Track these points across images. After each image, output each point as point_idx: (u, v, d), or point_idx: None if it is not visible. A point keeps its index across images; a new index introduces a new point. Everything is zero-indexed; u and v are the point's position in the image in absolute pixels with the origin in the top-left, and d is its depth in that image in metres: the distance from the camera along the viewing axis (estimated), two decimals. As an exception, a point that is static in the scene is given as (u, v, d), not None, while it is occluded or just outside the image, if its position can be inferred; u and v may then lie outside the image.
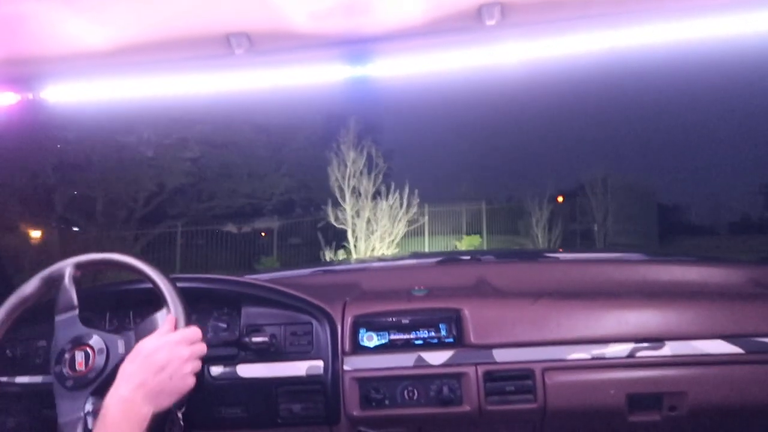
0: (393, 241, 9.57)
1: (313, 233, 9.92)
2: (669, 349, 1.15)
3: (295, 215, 13.77)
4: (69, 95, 1.26)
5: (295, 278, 1.69)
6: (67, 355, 0.99)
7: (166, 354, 0.92)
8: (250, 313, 1.23)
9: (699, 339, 1.15)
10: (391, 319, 1.22)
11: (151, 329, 0.99)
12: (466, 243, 12.40)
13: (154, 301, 1.04)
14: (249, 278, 1.36)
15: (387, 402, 1.16)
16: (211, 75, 1.20)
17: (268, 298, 1.25)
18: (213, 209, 12.58)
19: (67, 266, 1.07)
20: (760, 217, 17.87)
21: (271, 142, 12.02)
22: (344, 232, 9.62)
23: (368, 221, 9.51)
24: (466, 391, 1.15)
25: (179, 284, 1.05)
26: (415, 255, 2.69)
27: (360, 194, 9.61)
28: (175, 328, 0.98)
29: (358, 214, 9.56)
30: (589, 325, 1.18)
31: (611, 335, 1.17)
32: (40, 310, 1.12)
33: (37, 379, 1.17)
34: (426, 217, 12.10)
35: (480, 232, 13.33)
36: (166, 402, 0.92)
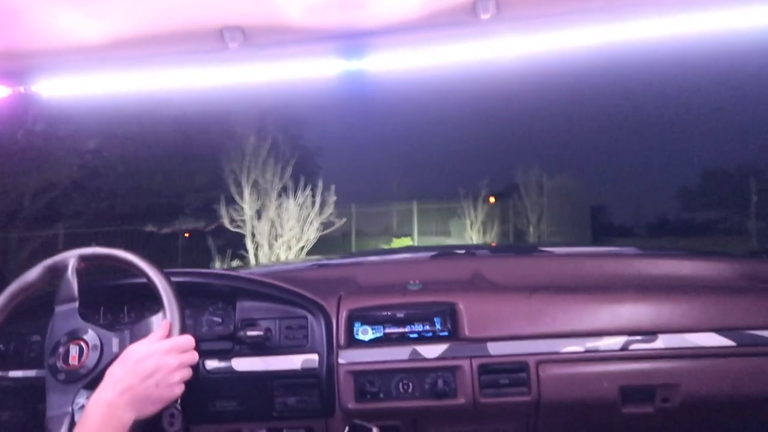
0: (303, 248, 7.86)
1: (234, 235, 8.22)
2: (662, 342, 1.16)
3: (219, 215, 12.03)
4: (61, 89, 1.25)
5: (290, 272, 1.69)
6: (61, 348, 0.99)
7: (155, 361, 0.92)
8: (245, 307, 1.23)
9: (691, 332, 1.16)
10: (386, 312, 1.22)
11: (146, 332, 0.99)
12: (395, 246, 11.66)
13: (149, 296, 1.04)
14: (244, 272, 1.36)
15: (382, 395, 1.17)
16: (205, 69, 1.20)
17: (263, 293, 1.25)
18: (114, 208, 10.86)
19: (71, 257, 1.07)
20: (676, 219, 18.36)
21: (181, 135, 10.26)
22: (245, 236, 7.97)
23: (272, 224, 7.90)
24: (461, 384, 1.16)
25: (174, 278, 1.05)
26: (411, 249, 2.70)
27: (264, 191, 8.04)
28: (169, 334, 0.98)
29: (259, 215, 7.97)
30: (583, 319, 1.19)
31: (605, 328, 1.18)
32: (36, 305, 1.12)
33: (31, 373, 1.16)
34: (354, 218, 11.14)
35: (411, 234, 12.85)
36: (149, 410, 0.91)
